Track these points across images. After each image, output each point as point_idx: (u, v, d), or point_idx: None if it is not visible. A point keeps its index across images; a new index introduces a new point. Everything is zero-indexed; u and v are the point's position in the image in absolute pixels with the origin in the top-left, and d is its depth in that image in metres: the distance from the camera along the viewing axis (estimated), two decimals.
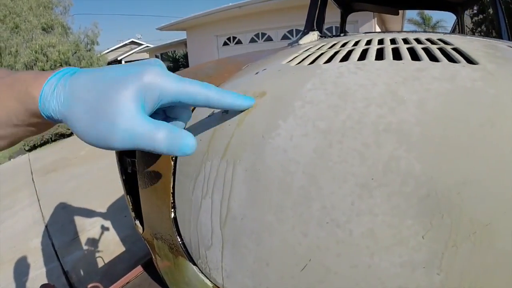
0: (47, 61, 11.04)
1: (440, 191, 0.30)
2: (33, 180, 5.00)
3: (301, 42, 0.96)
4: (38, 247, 3.20)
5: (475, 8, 8.68)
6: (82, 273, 2.72)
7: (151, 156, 0.57)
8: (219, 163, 0.42)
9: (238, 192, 0.40)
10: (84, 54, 12.35)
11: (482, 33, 9.20)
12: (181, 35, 14.93)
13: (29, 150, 7.30)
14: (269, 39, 10.86)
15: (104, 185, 4.13)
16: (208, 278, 0.50)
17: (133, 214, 0.77)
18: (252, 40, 11.31)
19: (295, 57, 0.57)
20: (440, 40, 0.59)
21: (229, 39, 12.02)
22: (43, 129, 0.36)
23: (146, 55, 21.11)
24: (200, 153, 0.46)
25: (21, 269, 2.85)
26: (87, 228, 3.32)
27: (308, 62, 0.50)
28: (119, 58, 22.65)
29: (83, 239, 3.19)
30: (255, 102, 0.41)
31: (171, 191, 0.53)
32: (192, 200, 0.47)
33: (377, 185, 0.32)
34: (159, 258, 0.72)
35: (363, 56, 0.50)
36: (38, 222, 3.69)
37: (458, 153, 0.31)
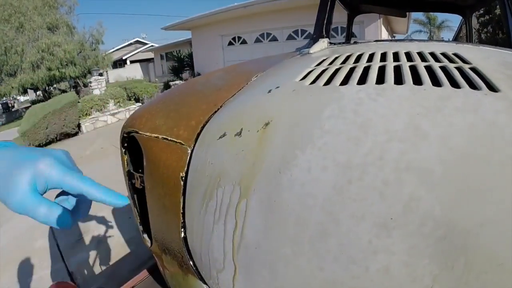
0: (52, 61, 11.08)
1: (458, 233, 0.30)
2: None
3: (311, 51, 0.94)
4: (43, 248, 3.21)
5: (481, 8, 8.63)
6: (87, 274, 2.72)
7: (159, 174, 0.56)
8: (232, 191, 0.41)
9: (253, 222, 0.39)
10: (89, 53, 12.40)
11: (488, 34, 9.15)
12: (186, 35, 14.96)
13: None
14: (274, 39, 10.85)
15: (109, 185, 4.10)
16: None
17: (141, 227, 0.76)
18: (257, 40, 11.31)
19: (309, 72, 0.55)
20: (456, 55, 0.57)
21: (234, 39, 12.02)
22: None
23: (151, 55, 21.18)
24: (212, 177, 0.45)
25: (27, 269, 2.87)
26: (92, 229, 3.33)
27: (324, 81, 0.48)
28: (124, 58, 22.75)
29: (87, 240, 3.20)
30: (127, 203, 0.45)
31: (181, 211, 0.53)
32: (203, 223, 0.46)
33: (396, 225, 0.32)
34: (167, 272, 0.71)
35: (380, 74, 0.49)
36: None
37: (478, 194, 0.31)
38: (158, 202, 0.60)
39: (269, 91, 0.50)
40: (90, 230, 3.33)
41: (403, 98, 0.40)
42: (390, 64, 0.54)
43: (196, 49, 13.44)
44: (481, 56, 0.56)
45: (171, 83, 12.16)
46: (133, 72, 20.50)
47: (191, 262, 0.54)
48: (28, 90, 13.41)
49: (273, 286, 0.38)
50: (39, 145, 7.39)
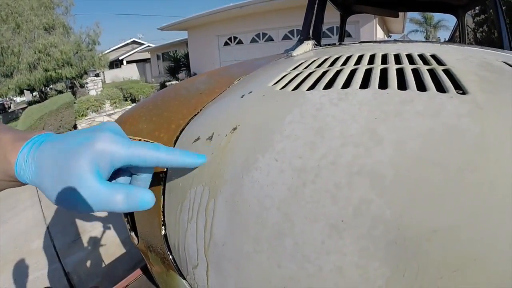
0: (49, 61, 11.06)
1: (409, 238, 0.30)
2: None
3: (294, 53, 0.96)
4: (39, 248, 3.22)
5: (477, 8, 8.64)
6: (83, 274, 2.74)
7: None
8: (202, 191, 0.44)
9: (219, 220, 0.41)
10: (85, 54, 12.39)
11: (483, 33, 9.16)
12: (183, 35, 14.95)
13: None
14: (270, 39, 10.87)
15: None
16: None
17: (128, 226, 0.78)
18: (253, 40, 11.32)
19: (283, 76, 0.57)
20: (433, 56, 0.57)
21: (230, 39, 12.03)
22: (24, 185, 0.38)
23: (147, 55, 21.14)
24: (186, 179, 0.47)
25: (23, 270, 2.88)
26: (88, 229, 3.35)
27: (293, 86, 0.50)
28: (120, 58, 22.71)
29: (84, 240, 3.22)
30: (206, 160, 0.43)
31: (161, 210, 0.55)
32: (180, 222, 0.48)
33: (347, 227, 0.33)
34: (153, 268, 0.73)
35: (350, 78, 0.50)
36: (40, 223, 3.72)
37: (431, 200, 0.31)
38: None
39: (242, 96, 0.52)
40: (86, 230, 3.34)
41: (363, 103, 0.40)
42: (362, 67, 0.55)
43: (192, 49, 13.44)
44: (459, 57, 0.56)
45: (167, 83, 12.17)
46: (129, 72, 20.46)
47: (171, 258, 0.56)
48: (25, 91, 13.37)
49: (240, 281, 0.40)
50: None
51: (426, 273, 0.30)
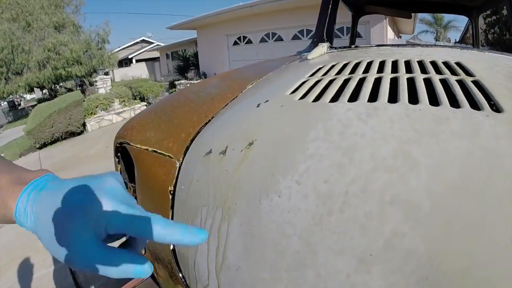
0: (59, 59, 11.16)
1: (443, 274, 0.28)
2: None
3: (309, 57, 0.93)
4: None
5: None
6: (89, 274, 2.74)
7: (149, 187, 0.56)
8: (215, 212, 0.41)
9: (234, 244, 0.38)
10: (95, 53, 12.46)
11: (495, 34, 9.06)
12: (192, 34, 14.99)
13: (40, 148, 7.41)
14: (280, 39, 10.84)
15: None
16: None
17: None
18: (263, 40, 11.30)
19: (301, 84, 0.54)
20: (459, 65, 0.54)
21: (239, 38, 12.03)
22: None
23: (157, 54, 21.26)
24: (197, 195, 0.44)
25: (30, 267, 2.89)
26: None
27: (314, 96, 0.47)
28: (130, 56, 22.87)
29: None
30: (207, 236, 0.37)
31: None
32: None
33: (376, 261, 0.30)
34: (160, 279, 0.71)
35: (376, 88, 0.47)
36: None
37: (469, 233, 0.28)
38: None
39: (258, 105, 0.49)
40: None
41: (395, 120, 0.37)
42: (387, 76, 0.51)
43: (202, 48, 13.47)
44: (486, 66, 0.53)
45: (176, 82, 12.20)
46: (139, 71, 20.59)
47: (180, 274, 0.53)
48: (34, 88, 13.51)
49: None
50: (44, 144, 7.46)
51: None
